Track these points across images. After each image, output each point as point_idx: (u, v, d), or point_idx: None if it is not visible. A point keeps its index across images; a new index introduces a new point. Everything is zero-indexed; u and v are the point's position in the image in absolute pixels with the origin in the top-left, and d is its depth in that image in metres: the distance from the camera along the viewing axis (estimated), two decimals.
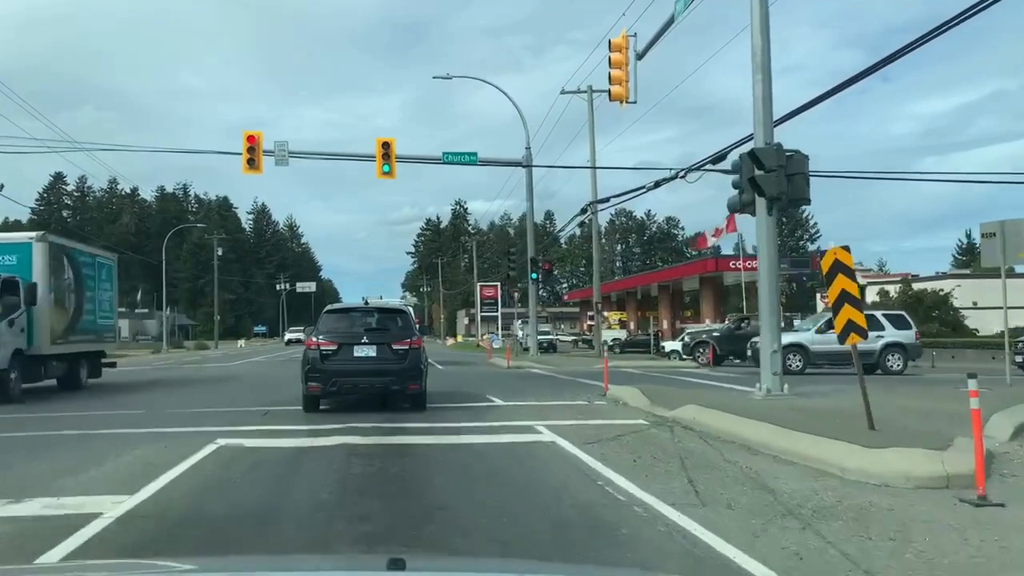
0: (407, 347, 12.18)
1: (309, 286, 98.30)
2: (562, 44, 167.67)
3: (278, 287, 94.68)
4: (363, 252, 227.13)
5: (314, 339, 12.31)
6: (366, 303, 14.29)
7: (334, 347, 12.09)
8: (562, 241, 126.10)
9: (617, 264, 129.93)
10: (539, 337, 46.07)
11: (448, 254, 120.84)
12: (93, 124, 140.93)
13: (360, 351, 12.11)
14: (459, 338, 70.22)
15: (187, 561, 2.63)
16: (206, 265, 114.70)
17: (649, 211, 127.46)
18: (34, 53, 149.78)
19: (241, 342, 62.77)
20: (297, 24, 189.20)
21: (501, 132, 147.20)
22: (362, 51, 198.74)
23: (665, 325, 41.63)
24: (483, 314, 73.03)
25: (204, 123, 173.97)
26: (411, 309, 17.02)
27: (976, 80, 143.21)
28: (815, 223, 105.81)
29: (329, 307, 14.01)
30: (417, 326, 14.26)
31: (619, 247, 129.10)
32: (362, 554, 4.66)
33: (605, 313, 49.81)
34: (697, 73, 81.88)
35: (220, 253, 61.90)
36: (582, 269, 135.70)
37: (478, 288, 73.41)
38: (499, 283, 75.97)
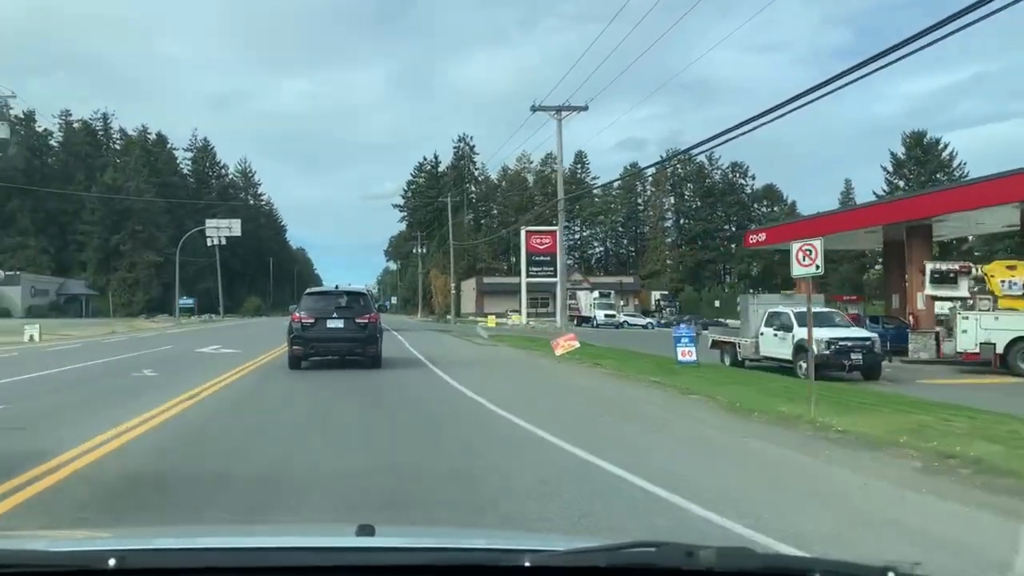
0: (367, 321, 16.86)
1: (229, 225, 62.82)
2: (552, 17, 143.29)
3: (209, 242, 63.43)
4: (341, 226, 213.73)
5: (298, 314, 16.82)
6: (336, 288, 18.86)
7: (312, 320, 16.66)
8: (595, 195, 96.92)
9: (668, 222, 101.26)
10: (829, 334, 17.17)
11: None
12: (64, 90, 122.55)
13: (332, 323, 16.70)
14: (516, 316, 40.83)
15: (158, 529, 3.10)
16: (124, 215, 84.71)
17: (711, 155, 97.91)
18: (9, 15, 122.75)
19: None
20: None
21: (490, 106, 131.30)
22: (345, 21, 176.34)
23: None
24: (531, 279, 43.50)
25: (182, 92, 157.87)
26: (369, 291, 22.93)
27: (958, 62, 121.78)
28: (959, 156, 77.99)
29: (308, 290, 19.11)
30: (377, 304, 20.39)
31: (671, 199, 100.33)
32: (332, 522, 4.89)
33: (982, 269, 19.86)
34: (683, 48, 55.22)
35: (11, 150, 31.88)
36: (620, 229, 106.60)
37: (523, 235, 43.89)
38: (556, 228, 47.90)
